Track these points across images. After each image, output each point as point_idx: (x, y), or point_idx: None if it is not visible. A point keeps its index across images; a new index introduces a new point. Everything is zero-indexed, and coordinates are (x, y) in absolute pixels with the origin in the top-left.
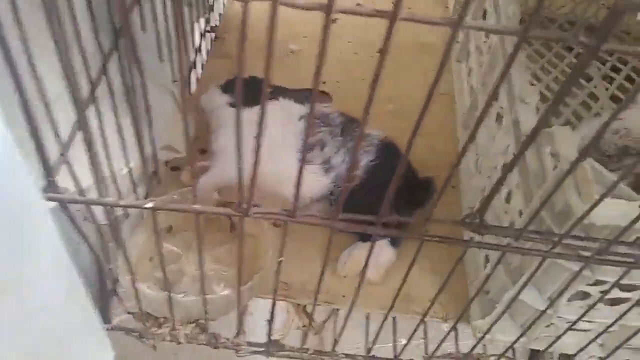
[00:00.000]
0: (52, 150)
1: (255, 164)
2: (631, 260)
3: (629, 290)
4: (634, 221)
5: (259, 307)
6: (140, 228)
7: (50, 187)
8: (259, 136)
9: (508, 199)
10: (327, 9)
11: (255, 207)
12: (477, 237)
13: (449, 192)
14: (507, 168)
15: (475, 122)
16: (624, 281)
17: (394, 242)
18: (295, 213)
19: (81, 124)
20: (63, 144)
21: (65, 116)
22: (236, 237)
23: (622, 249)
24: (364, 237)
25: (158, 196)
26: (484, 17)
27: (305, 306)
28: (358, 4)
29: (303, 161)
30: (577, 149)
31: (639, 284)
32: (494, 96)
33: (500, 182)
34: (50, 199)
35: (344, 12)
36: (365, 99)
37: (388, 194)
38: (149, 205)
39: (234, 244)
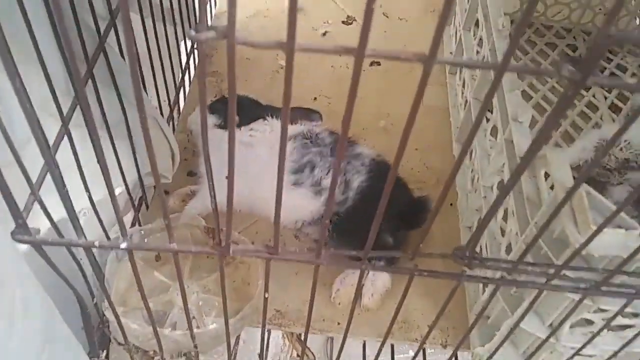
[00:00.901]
0: (23, 190)
1: (229, 192)
2: (632, 291)
3: (634, 316)
4: (634, 253)
5: (252, 335)
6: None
7: (21, 229)
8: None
9: (505, 217)
10: (288, 48)
11: (235, 243)
12: (470, 271)
13: (446, 210)
14: (497, 201)
15: (461, 150)
16: (627, 309)
17: (389, 266)
18: (277, 249)
19: (50, 168)
20: (34, 183)
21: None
22: (227, 263)
23: (622, 278)
24: (357, 260)
25: (147, 222)
26: (477, 25)
27: (300, 334)
28: (348, 19)
29: (279, 181)
30: (572, 160)
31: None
32: (475, 130)
33: (490, 214)
34: (20, 241)
35: (306, 50)
36: (357, 116)
37: (374, 227)
38: (124, 245)
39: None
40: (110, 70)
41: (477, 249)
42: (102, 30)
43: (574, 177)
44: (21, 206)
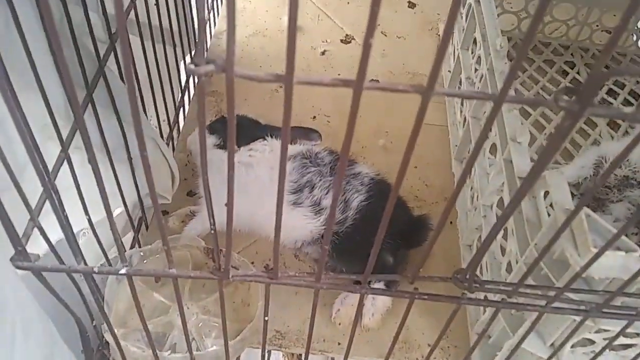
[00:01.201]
0: (23, 216)
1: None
2: (633, 312)
3: (636, 335)
4: (635, 276)
5: (252, 356)
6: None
7: (20, 256)
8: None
9: (505, 235)
10: (287, 81)
11: (235, 268)
12: (470, 294)
13: (446, 228)
14: (496, 226)
15: (459, 180)
16: (629, 330)
17: (390, 285)
18: (277, 274)
19: (48, 197)
20: (33, 209)
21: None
22: (227, 284)
23: (623, 299)
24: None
25: (147, 242)
26: (474, 43)
27: (300, 355)
28: (347, 38)
29: (279, 200)
30: (572, 178)
31: None
32: (473, 159)
33: (490, 239)
34: (20, 268)
35: (305, 83)
36: (356, 134)
37: (374, 250)
38: (123, 271)
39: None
40: (110, 94)
41: (477, 269)
42: (101, 54)
43: (573, 196)
44: (20, 230)
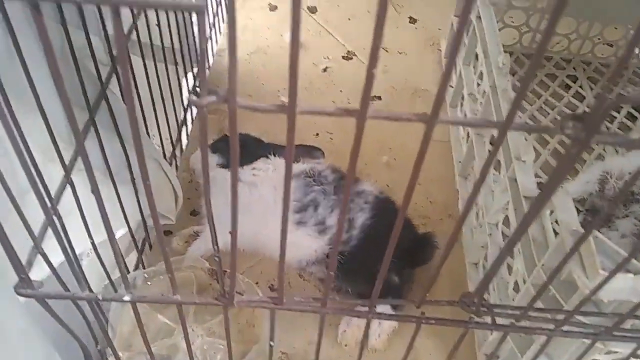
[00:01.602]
0: (25, 243)
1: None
2: None
3: None
4: None
5: None
6: None
7: (23, 284)
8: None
9: (511, 254)
10: (290, 112)
11: (240, 294)
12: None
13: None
14: (502, 254)
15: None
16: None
17: (396, 307)
18: (282, 299)
19: (50, 224)
20: (36, 236)
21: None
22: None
23: (633, 322)
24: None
25: (150, 262)
26: (476, 58)
27: None
28: (348, 55)
29: (284, 224)
30: (577, 194)
31: None
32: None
33: (496, 265)
34: (23, 295)
35: (308, 112)
36: (360, 151)
37: (380, 275)
38: (127, 298)
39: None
40: (112, 117)
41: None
42: (103, 77)
43: (578, 211)
44: (22, 255)
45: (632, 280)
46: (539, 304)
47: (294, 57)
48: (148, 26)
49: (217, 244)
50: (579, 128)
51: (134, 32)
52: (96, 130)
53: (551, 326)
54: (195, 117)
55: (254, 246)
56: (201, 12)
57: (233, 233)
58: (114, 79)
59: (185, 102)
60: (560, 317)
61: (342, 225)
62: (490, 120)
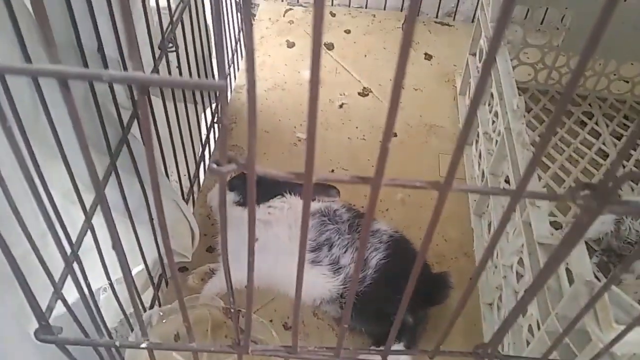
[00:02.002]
0: (43, 286)
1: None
2: None
3: None
4: None
5: None
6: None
7: (43, 330)
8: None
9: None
10: (307, 178)
11: (254, 342)
12: None
13: (466, 282)
14: (516, 311)
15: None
16: None
17: (410, 346)
18: (295, 348)
19: (70, 271)
20: (56, 281)
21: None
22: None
23: None
24: (377, 340)
25: (167, 300)
26: (492, 97)
27: None
28: (364, 91)
29: (300, 267)
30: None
31: None
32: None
33: (513, 317)
34: (44, 341)
35: (325, 180)
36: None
37: (396, 323)
38: (144, 345)
39: None
40: (133, 161)
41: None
42: (125, 121)
43: (594, 251)
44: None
45: None
46: (554, 354)
47: (313, 98)
48: (169, 68)
49: (232, 295)
50: (590, 197)
51: None
52: (117, 174)
53: None
54: (213, 151)
55: (268, 284)
56: (222, 90)
57: (249, 286)
58: (134, 122)
59: (204, 139)
60: None
61: (359, 265)
62: (503, 188)
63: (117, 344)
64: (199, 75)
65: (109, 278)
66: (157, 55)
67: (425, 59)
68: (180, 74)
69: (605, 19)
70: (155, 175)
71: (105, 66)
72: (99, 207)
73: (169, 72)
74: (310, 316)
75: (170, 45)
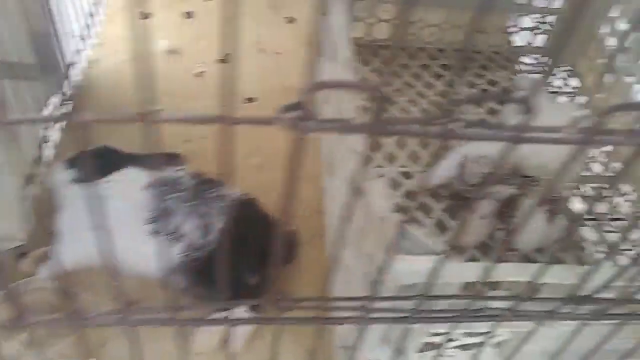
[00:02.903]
0: None
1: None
2: (449, 315)
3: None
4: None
5: None
6: None
7: None
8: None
9: None
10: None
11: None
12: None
13: (315, 241)
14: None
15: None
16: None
17: (254, 307)
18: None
19: None
20: None
21: None
22: None
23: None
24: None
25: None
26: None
27: None
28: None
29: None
30: (439, 180)
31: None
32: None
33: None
34: None
35: (167, 121)
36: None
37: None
38: None
39: None
40: None
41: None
42: None
43: (441, 196)
44: None
45: (427, 261)
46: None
47: None
48: None
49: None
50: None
51: None
52: None
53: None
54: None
55: (120, 266)
56: None
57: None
58: None
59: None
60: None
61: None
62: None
63: None
64: None
65: None
66: None
67: (288, 22)
68: None
69: None
70: None
71: None
72: None
73: None
74: (157, 289)
75: None
